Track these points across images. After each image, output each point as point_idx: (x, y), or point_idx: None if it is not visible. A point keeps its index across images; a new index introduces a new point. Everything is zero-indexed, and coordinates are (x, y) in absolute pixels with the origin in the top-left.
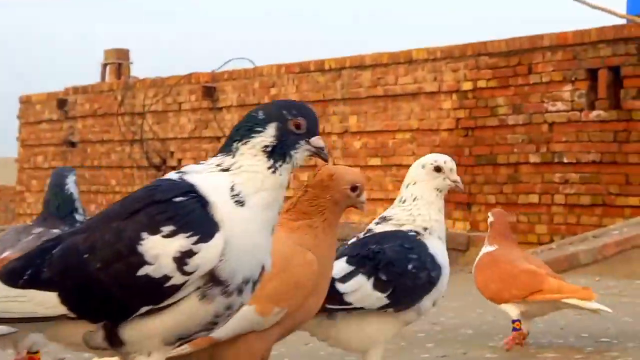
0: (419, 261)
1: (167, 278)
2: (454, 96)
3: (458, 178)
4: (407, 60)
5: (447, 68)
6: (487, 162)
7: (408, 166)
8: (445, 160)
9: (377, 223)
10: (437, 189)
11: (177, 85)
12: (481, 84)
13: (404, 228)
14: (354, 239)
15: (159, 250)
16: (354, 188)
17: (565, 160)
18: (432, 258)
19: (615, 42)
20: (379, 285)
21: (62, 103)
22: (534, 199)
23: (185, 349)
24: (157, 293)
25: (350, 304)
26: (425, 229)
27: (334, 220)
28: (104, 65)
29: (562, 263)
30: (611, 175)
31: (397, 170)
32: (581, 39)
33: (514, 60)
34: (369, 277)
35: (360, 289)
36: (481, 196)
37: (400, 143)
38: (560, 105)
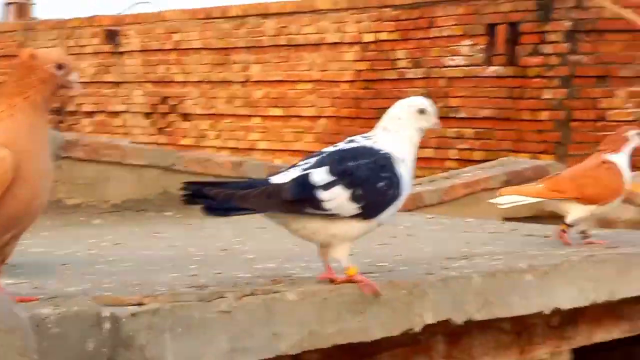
0: (389, 180)
1: None
2: (356, 48)
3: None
4: (311, 9)
5: (351, 19)
6: None
7: (308, 117)
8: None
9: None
10: (420, 129)
11: (78, 28)
12: (383, 36)
13: (380, 149)
14: (331, 148)
15: None
16: (59, 66)
17: (461, 116)
18: (398, 179)
19: None
20: (354, 198)
21: None
22: (429, 153)
23: None
24: None
25: (328, 210)
26: (403, 160)
27: (40, 101)
28: (7, 4)
29: (406, 203)
30: (504, 132)
31: (297, 121)
32: None
33: (416, 13)
34: (347, 189)
35: (338, 199)
36: None
37: (301, 94)
38: (458, 60)
